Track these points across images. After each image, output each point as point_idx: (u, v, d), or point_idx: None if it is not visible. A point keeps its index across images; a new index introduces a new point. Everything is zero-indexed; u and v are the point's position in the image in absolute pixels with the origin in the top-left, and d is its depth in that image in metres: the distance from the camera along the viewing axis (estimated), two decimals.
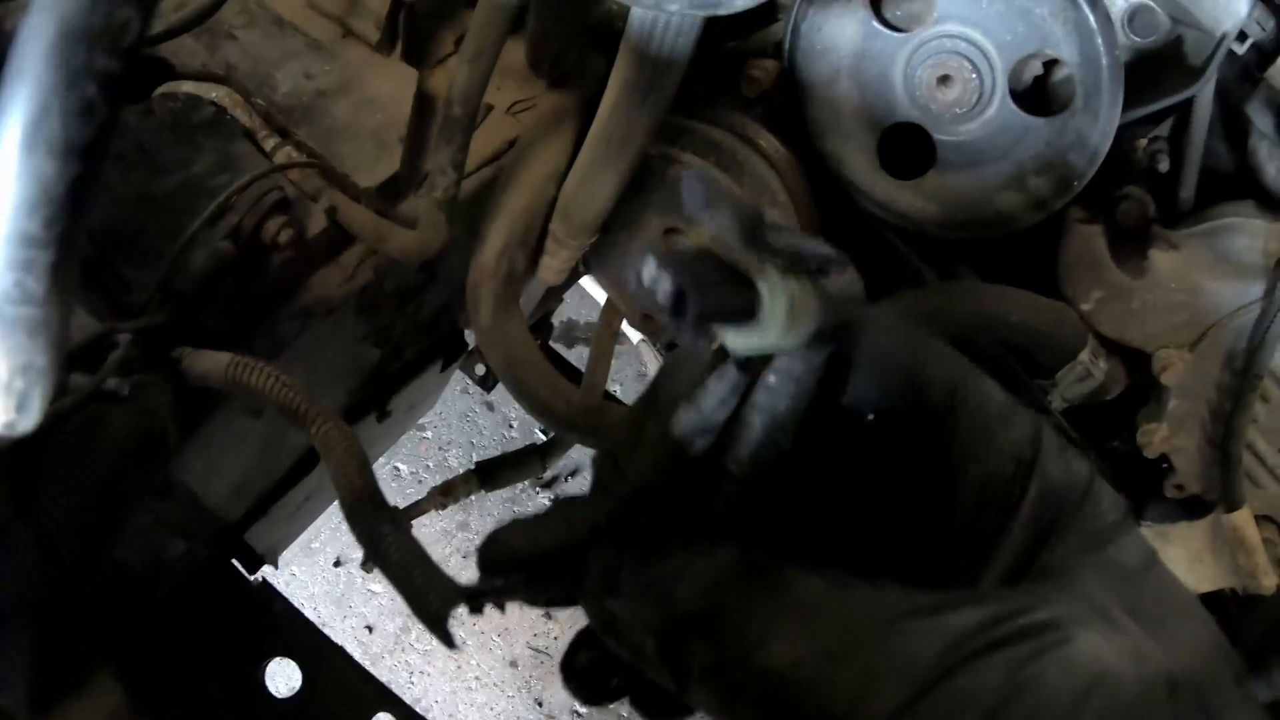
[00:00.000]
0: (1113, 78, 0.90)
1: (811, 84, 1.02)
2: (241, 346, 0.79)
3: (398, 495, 2.51)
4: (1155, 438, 1.05)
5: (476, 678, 2.45)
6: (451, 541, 2.54)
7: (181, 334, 0.79)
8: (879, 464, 0.44)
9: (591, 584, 0.42)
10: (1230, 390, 1.01)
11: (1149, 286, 1.01)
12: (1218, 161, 1.03)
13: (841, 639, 0.36)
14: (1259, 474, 1.04)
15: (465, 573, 0.48)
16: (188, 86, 0.97)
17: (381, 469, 2.57)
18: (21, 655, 0.59)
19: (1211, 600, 1.10)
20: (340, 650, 1.12)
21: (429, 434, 2.70)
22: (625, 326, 1.44)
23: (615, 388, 2.59)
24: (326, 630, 1.26)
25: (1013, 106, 0.94)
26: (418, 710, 1.13)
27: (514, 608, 2.54)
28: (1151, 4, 0.94)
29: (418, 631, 2.42)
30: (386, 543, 0.61)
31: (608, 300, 1.32)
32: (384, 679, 1.16)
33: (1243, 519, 1.03)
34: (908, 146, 1.01)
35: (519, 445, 1.63)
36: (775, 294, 0.37)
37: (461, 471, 1.54)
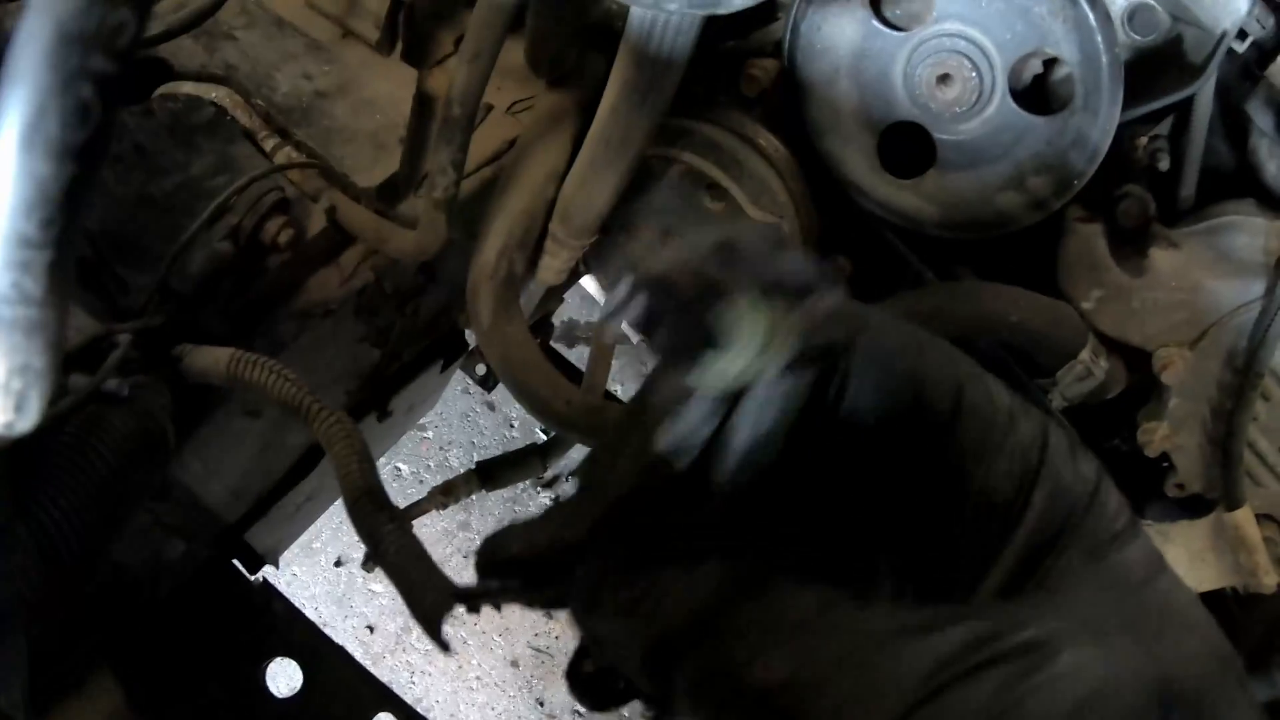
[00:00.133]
0: (1112, 76, 0.90)
1: (811, 83, 1.02)
2: (240, 347, 0.79)
3: (399, 495, 2.51)
4: (1156, 436, 1.04)
5: (477, 677, 2.45)
6: (453, 541, 2.54)
7: (180, 335, 0.79)
8: (879, 471, 0.43)
9: (575, 600, 0.42)
10: (1231, 389, 1.00)
11: (1149, 285, 1.01)
12: (1218, 160, 1.03)
13: (827, 661, 0.35)
14: (1260, 472, 1.04)
15: (467, 572, 0.48)
16: (187, 87, 0.97)
17: (383, 469, 2.56)
18: (21, 655, 0.59)
19: (1212, 599, 1.10)
20: (341, 650, 1.12)
21: (430, 434, 2.70)
22: (626, 326, 1.43)
23: (616, 388, 2.59)
24: (327, 630, 1.26)
25: (1012, 105, 0.94)
26: (419, 710, 1.13)
27: (514, 608, 2.54)
28: (1151, 2, 0.93)
29: (419, 631, 2.40)
30: (386, 542, 0.61)
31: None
32: (385, 679, 1.16)
33: (1244, 517, 1.03)
34: (907, 146, 1.00)
35: (520, 445, 1.63)
36: (749, 321, 0.36)
37: (462, 471, 1.54)
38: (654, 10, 0.84)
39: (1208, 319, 1.00)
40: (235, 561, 1.05)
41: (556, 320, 1.69)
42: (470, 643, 2.45)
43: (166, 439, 0.73)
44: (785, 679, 0.35)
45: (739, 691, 0.36)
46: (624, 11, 0.88)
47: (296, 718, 1.06)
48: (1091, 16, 0.88)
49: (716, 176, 1.04)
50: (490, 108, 1.08)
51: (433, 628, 0.56)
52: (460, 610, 0.54)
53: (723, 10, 0.83)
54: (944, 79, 0.96)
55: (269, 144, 0.96)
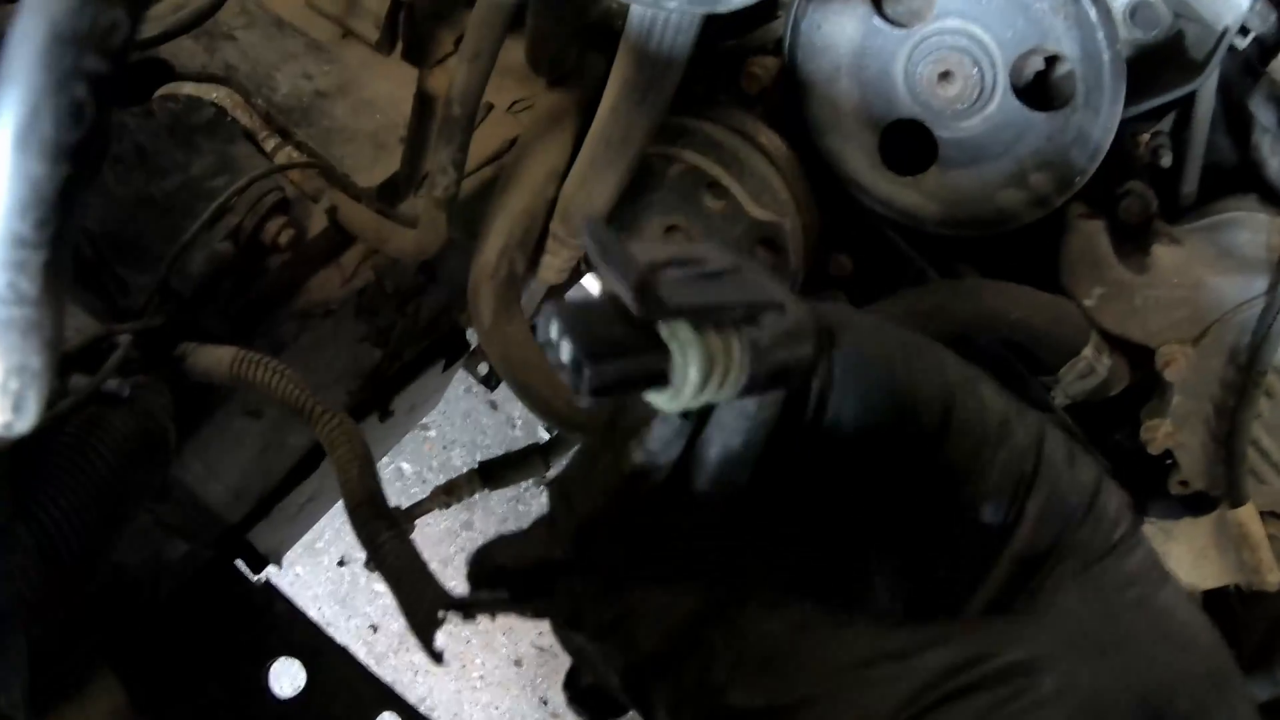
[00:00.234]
0: (1114, 73, 0.90)
1: (812, 81, 1.02)
2: (241, 347, 0.79)
3: (401, 494, 2.51)
4: (1159, 434, 1.04)
5: (481, 676, 2.45)
6: (456, 541, 2.54)
7: (181, 335, 0.80)
8: (866, 484, 0.41)
9: (555, 619, 0.42)
10: (1234, 386, 1.00)
11: (1151, 282, 1.01)
12: (1220, 156, 1.03)
13: (800, 689, 0.34)
14: (1263, 470, 1.04)
15: (464, 580, 0.49)
16: (188, 88, 0.97)
17: (385, 468, 2.57)
18: (21, 656, 0.59)
19: (1215, 597, 1.10)
20: (344, 650, 1.12)
21: (432, 433, 2.70)
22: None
23: None
24: (331, 630, 1.26)
25: (1014, 102, 0.94)
26: (422, 710, 1.13)
27: None
28: None
29: None
30: (384, 550, 0.61)
31: None
32: (388, 679, 1.16)
33: (1247, 515, 1.03)
34: (908, 143, 1.00)
35: (523, 444, 1.63)
36: (684, 355, 0.33)
37: (465, 471, 1.54)
38: (653, 9, 0.84)
39: (1210, 316, 1.00)
40: (238, 561, 1.05)
41: (569, 299, 1.68)
42: (474, 642, 2.46)
43: (167, 439, 0.73)
44: (762, 706, 0.34)
45: (715, 715, 0.35)
46: (624, 10, 0.88)
47: (299, 718, 1.06)
48: (1093, 13, 0.88)
49: (717, 175, 1.04)
50: (491, 107, 1.08)
51: (425, 637, 0.56)
52: (456, 619, 0.54)
53: (722, 8, 0.83)
54: (945, 76, 0.95)
55: (269, 144, 0.96)
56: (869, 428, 0.39)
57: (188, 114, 0.92)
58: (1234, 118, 1.01)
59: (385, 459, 2.47)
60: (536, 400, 1.08)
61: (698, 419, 0.39)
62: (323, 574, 2.52)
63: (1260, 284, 0.97)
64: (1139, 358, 1.04)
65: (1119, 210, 0.99)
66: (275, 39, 1.05)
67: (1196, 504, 1.08)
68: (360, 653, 2.19)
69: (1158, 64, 0.95)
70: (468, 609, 0.49)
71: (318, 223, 0.93)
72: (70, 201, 0.32)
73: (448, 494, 1.49)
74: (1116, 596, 0.37)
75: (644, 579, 0.39)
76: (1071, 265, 1.03)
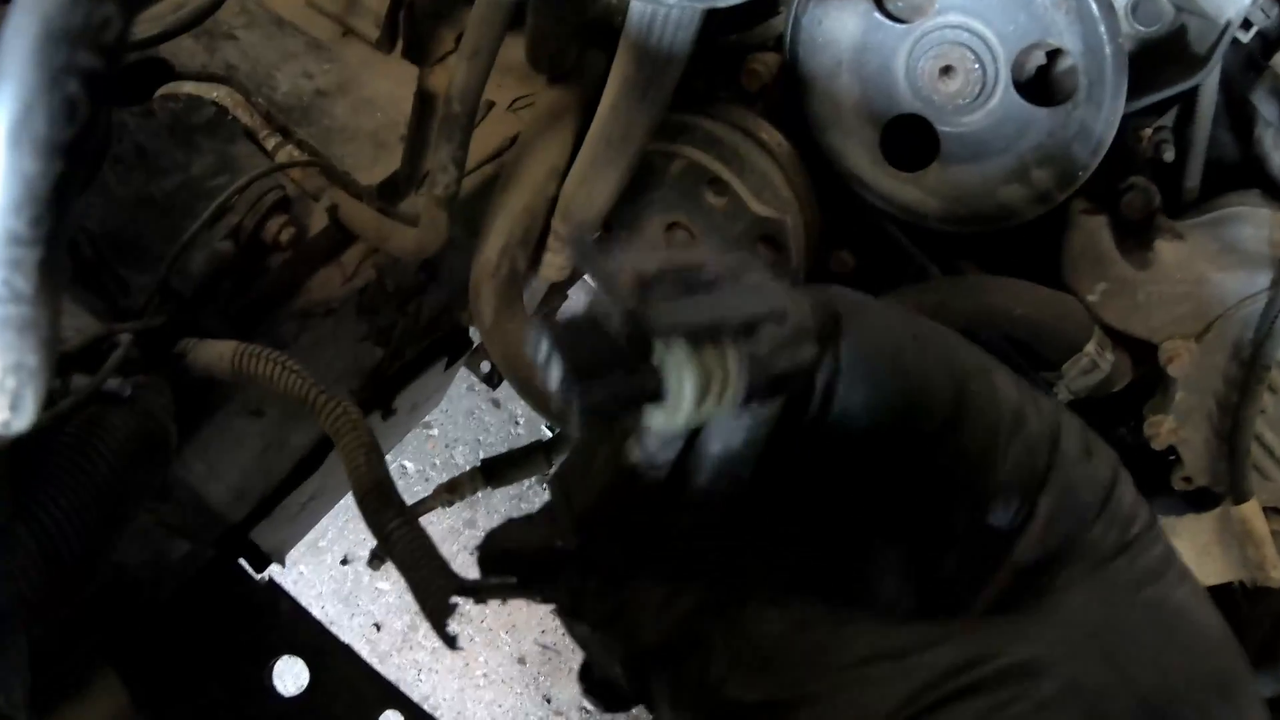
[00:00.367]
0: (1116, 67, 0.89)
1: (813, 77, 1.02)
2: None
3: (404, 493, 2.49)
4: (1162, 430, 1.04)
5: (484, 675, 2.45)
6: (459, 539, 2.55)
7: (181, 335, 0.79)
8: (871, 477, 0.40)
9: (560, 607, 0.41)
10: (1237, 381, 1.00)
11: (1154, 278, 1.00)
12: (1223, 151, 1.02)
13: (799, 686, 0.34)
14: (1267, 465, 1.03)
15: (472, 570, 0.49)
16: (189, 87, 0.97)
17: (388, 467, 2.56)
18: (22, 656, 0.59)
19: (1219, 594, 1.10)
20: (347, 648, 1.12)
21: (435, 431, 2.70)
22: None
23: None
24: (334, 628, 1.26)
25: (1016, 97, 0.94)
26: (425, 708, 1.13)
27: (520, 606, 2.54)
28: None
29: (425, 629, 2.42)
30: (394, 537, 0.61)
31: None
32: (391, 677, 1.16)
33: (1251, 511, 1.03)
34: (910, 139, 1.00)
35: (526, 442, 1.63)
36: (679, 373, 0.32)
37: (468, 469, 1.54)
38: (654, 5, 0.84)
39: (1213, 311, 0.99)
40: (241, 560, 1.05)
41: (559, 317, 1.68)
42: (477, 640, 2.46)
43: (168, 439, 0.73)
44: (761, 702, 0.34)
45: (715, 708, 0.35)
46: (624, 7, 0.88)
47: (303, 716, 1.06)
48: (1094, 7, 0.88)
49: (718, 171, 1.04)
50: (491, 105, 1.08)
51: (439, 623, 0.56)
52: (467, 606, 0.54)
53: (722, 4, 0.83)
54: (946, 71, 0.95)
55: (270, 143, 0.96)
56: (877, 418, 0.38)
57: (188, 113, 0.92)
58: (1237, 112, 1.01)
59: (388, 457, 2.47)
60: (538, 398, 1.08)
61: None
62: (326, 572, 2.53)
63: (1263, 279, 0.97)
64: (1142, 353, 1.03)
65: (1121, 205, 0.99)
66: (275, 38, 1.04)
67: (1200, 500, 1.08)
68: (363, 651, 2.19)
69: (1160, 58, 0.94)
70: (478, 594, 0.48)
71: (318, 221, 0.93)
72: (65, 199, 0.31)
73: (450, 492, 1.49)
74: (1127, 597, 0.36)
75: (646, 571, 0.39)
76: (1074, 261, 1.03)
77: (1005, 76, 0.94)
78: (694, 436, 0.38)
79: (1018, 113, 0.95)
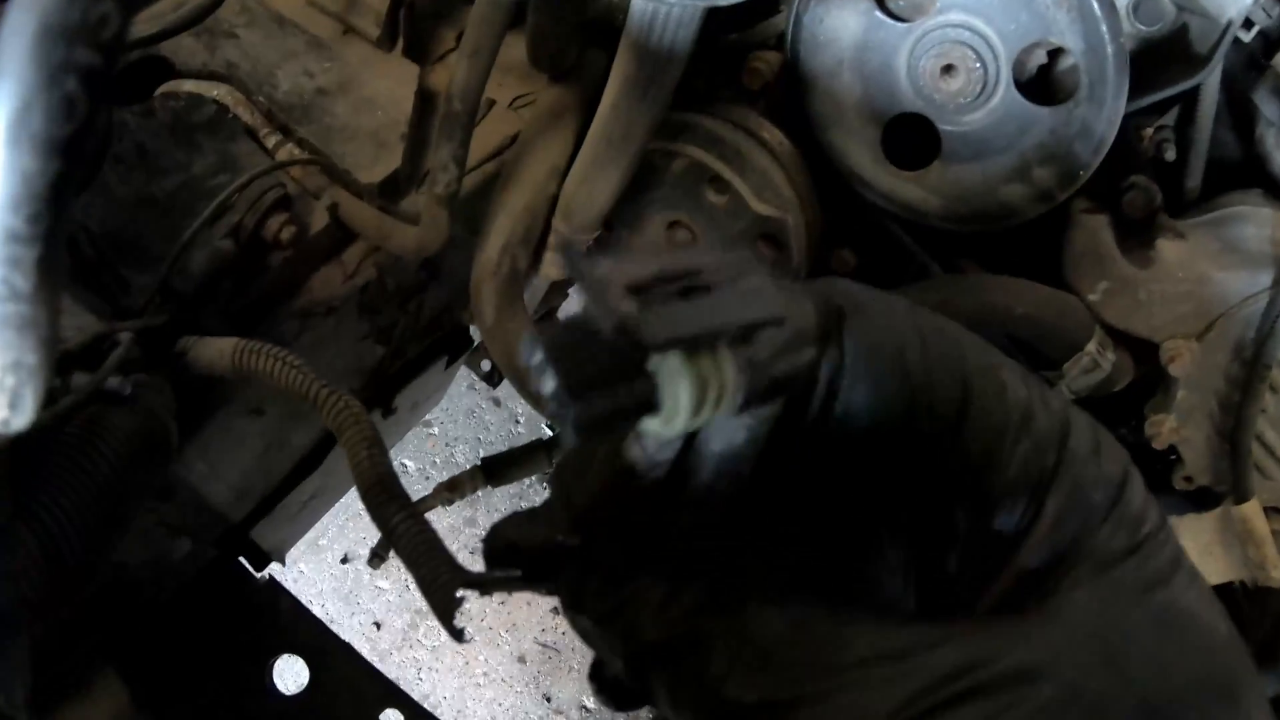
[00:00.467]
0: (1118, 66, 0.89)
1: (814, 76, 1.02)
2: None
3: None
4: (1163, 429, 1.04)
5: (484, 673, 2.45)
6: (459, 538, 2.55)
7: (182, 334, 0.79)
8: (875, 475, 0.39)
9: (562, 601, 0.41)
10: (1238, 381, 1.00)
11: (1156, 277, 1.00)
12: (1224, 150, 1.02)
13: (798, 686, 0.34)
14: (1268, 465, 1.03)
15: (474, 568, 0.49)
16: (189, 85, 0.97)
17: None
18: (23, 656, 0.59)
19: (1220, 593, 1.09)
20: (348, 647, 1.12)
21: (436, 430, 2.70)
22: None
23: None
24: (334, 627, 1.26)
25: (1017, 96, 0.94)
26: (425, 706, 1.13)
27: (521, 604, 2.54)
28: None
29: (426, 628, 2.43)
30: (399, 530, 0.61)
31: None
32: (392, 675, 1.16)
33: (1252, 511, 1.03)
34: (911, 138, 1.00)
35: (526, 441, 1.63)
36: (674, 383, 0.32)
37: (468, 468, 1.54)
38: (655, 3, 0.84)
39: (1215, 310, 0.99)
40: (241, 559, 1.05)
41: (562, 316, 1.69)
42: (477, 639, 2.46)
43: (169, 438, 0.73)
44: (759, 701, 0.34)
45: (714, 708, 0.35)
46: (625, 6, 0.87)
47: (303, 715, 1.06)
48: (1096, 6, 0.88)
49: (719, 170, 1.03)
50: (492, 103, 1.08)
51: (445, 616, 0.55)
52: (468, 604, 0.54)
53: (723, 2, 0.83)
54: (948, 70, 0.95)
55: (270, 141, 0.96)
56: (880, 417, 0.37)
57: (189, 112, 0.92)
58: (1238, 112, 1.01)
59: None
60: (538, 398, 1.08)
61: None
62: (326, 571, 2.53)
63: (1265, 278, 0.97)
64: (1143, 353, 1.03)
65: (1123, 205, 0.99)
66: (276, 36, 1.04)
67: (1201, 500, 1.08)
68: (364, 650, 2.19)
69: (1161, 58, 0.94)
70: (483, 586, 0.48)
71: (319, 220, 0.92)
72: (63, 197, 0.31)
73: (451, 491, 1.49)
74: (1133, 600, 0.36)
75: (647, 569, 0.39)
76: (1075, 260, 1.03)
77: (1007, 75, 0.93)
78: (694, 435, 0.38)
79: (1019, 111, 0.95)
